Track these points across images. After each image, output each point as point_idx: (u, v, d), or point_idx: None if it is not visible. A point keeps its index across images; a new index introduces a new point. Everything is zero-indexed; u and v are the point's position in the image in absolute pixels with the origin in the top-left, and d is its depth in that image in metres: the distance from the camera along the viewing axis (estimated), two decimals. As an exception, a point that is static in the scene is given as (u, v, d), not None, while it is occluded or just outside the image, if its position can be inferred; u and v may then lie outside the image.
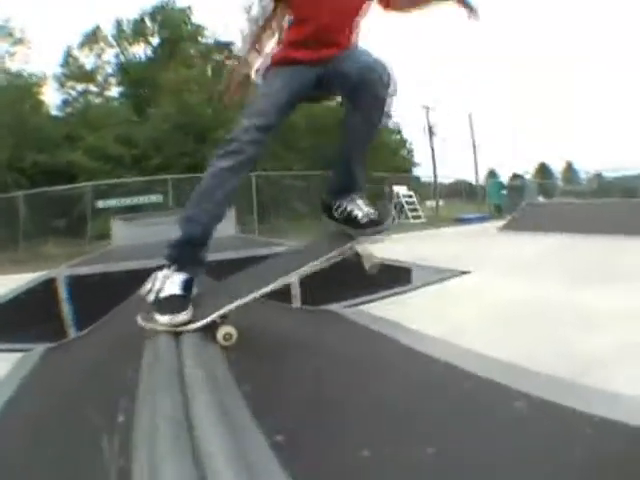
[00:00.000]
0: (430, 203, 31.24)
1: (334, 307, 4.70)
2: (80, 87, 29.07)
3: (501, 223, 16.88)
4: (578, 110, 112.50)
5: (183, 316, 2.09)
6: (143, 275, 2.39)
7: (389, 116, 30.54)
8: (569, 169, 55.01)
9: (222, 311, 2.18)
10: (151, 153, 24.14)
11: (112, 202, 19.98)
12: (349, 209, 2.67)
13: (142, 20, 29.37)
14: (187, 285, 2.20)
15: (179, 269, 2.25)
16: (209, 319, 2.12)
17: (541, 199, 26.52)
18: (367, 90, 2.35)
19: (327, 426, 2.09)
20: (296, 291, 4.93)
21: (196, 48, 28.86)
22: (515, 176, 37.22)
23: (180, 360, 1.89)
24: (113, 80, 30.20)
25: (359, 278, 4.91)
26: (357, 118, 2.50)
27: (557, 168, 54.48)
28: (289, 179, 20.08)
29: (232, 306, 2.22)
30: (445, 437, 2.43)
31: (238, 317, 2.34)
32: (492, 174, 41.73)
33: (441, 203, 32.44)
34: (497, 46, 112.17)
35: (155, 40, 29.86)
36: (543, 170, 52.37)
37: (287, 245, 6.51)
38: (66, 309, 5.34)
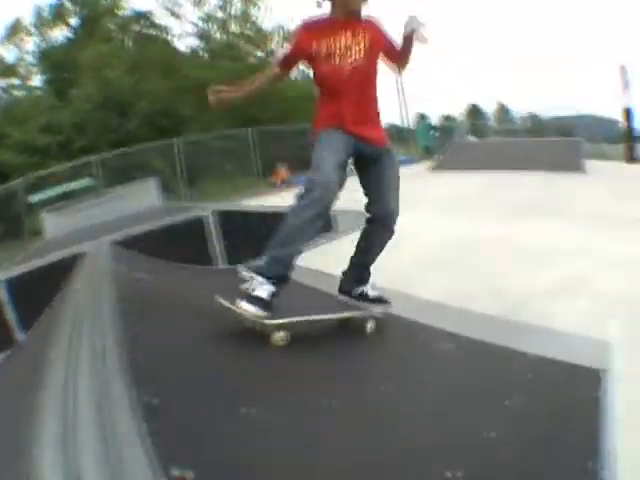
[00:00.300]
0: None
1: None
2: (3, 83, 27.39)
3: (430, 164, 16.52)
4: (510, 53, 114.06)
5: (263, 313, 2.58)
6: (74, 262, 2.64)
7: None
8: (501, 110, 55.66)
9: (290, 320, 2.70)
10: (74, 136, 22.91)
11: (44, 195, 18.83)
12: (365, 291, 3.23)
13: (62, 4, 27.66)
14: (272, 295, 2.66)
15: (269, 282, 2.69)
16: (280, 322, 2.65)
17: (472, 139, 26.35)
18: (386, 229, 3.20)
19: (209, 383, 2.19)
20: (218, 250, 4.87)
21: (114, 22, 27.43)
22: (446, 118, 37.58)
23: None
24: (35, 69, 28.47)
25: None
26: (375, 240, 3.24)
27: (490, 110, 54.66)
28: (211, 140, 19.46)
29: (297, 319, 2.75)
30: (371, 382, 2.48)
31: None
32: (422, 117, 41.81)
33: None
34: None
35: (75, 21, 28.17)
36: (475, 112, 52.80)
37: (211, 206, 6.37)
38: (9, 313, 5.36)
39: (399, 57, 3.08)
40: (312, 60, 2.91)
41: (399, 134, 34.99)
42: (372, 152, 2.99)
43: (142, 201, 13.67)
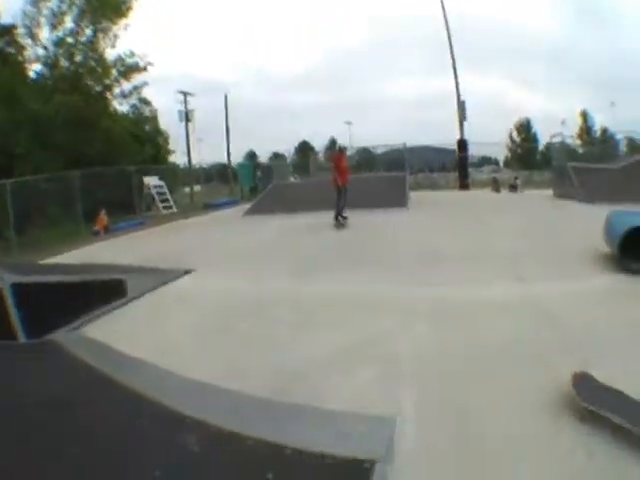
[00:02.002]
0: (195, 188, 31.18)
1: (57, 335, 4.60)
2: None
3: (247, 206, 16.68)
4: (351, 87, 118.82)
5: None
6: None
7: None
8: (333, 145, 54.86)
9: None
10: None
11: None
12: None
13: None
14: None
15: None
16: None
17: (292, 179, 25.70)
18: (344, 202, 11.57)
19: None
20: (17, 323, 5.12)
21: None
22: (275, 155, 37.67)
23: None
24: None
25: (78, 299, 5.34)
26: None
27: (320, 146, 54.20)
28: (43, 182, 18.19)
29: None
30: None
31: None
32: (251, 156, 41.91)
33: (199, 188, 32.23)
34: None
35: None
36: (305, 148, 53.31)
37: (7, 277, 6.12)
38: None
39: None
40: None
41: (222, 175, 35.17)
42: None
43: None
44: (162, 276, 6.70)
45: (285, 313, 4.92)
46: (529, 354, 3.60)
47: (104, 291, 5.83)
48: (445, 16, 27.53)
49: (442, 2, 27.46)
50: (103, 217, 17.62)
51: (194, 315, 5.12)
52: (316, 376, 3.43)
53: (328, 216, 11.15)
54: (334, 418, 2.78)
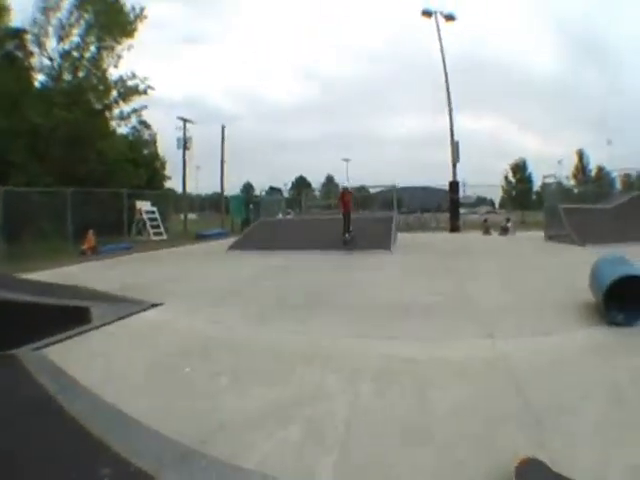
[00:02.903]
0: (189, 215, 31.42)
1: (20, 350, 4.68)
2: None
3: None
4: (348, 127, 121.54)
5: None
6: None
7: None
8: (329, 183, 55.48)
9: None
10: None
11: None
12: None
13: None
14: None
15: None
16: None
17: (280, 215, 26.15)
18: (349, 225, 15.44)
19: None
20: None
21: None
22: (271, 189, 38.34)
23: None
24: None
25: (40, 320, 5.45)
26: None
27: (317, 183, 54.46)
28: (37, 195, 18.55)
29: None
30: None
31: None
32: (247, 187, 42.39)
33: (194, 217, 32.48)
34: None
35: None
36: (301, 183, 53.90)
37: None
38: None
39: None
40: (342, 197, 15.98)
41: (217, 205, 35.03)
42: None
43: None
44: (129, 307, 6.80)
45: (231, 360, 4.82)
46: (475, 429, 3.23)
47: (68, 316, 5.91)
48: (443, 59, 28.16)
49: (441, 46, 28.05)
50: (91, 237, 17.69)
51: (145, 351, 5.15)
52: (236, 431, 3.30)
53: (310, 256, 11.64)
54: (242, 477, 2.70)
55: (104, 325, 5.95)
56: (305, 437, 3.19)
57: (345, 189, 16.79)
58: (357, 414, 3.54)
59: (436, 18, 29.34)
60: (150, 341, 5.52)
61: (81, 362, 4.60)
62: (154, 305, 7.00)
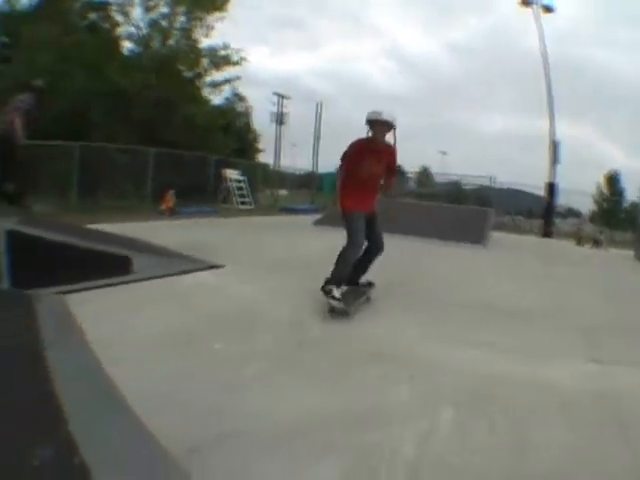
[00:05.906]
0: (281, 191, 31.45)
1: (37, 291, 3.97)
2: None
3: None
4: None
5: (341, 305, 4.81)
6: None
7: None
8: (425, 174, 55.09)
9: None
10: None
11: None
12: (363, 282, 5.68)
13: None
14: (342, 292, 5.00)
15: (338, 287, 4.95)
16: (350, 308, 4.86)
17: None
18: (376, 255, 5.45)
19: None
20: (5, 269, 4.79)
21: (72, 6, 24.42)
22: None
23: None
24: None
25: (78, 264, 5.09)
26: (368, 258, 5.45)
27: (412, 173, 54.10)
28: (116, 153, 18.08)
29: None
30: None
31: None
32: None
33: (285, 192, 32.11)
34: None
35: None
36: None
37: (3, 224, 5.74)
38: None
39: (384, 185, 5.54)
40: (352, 163, 5.18)
41: (308, 182, 34.93)
42: (370, 216, 5.28)
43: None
44: (184, 264, 6.06)
45: (269, 344, 3.95)
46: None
47: (109, 264, 5.38)
48: (544, 54, 26.04)
49: (542, 41, 25.95)
50: (170, 198, 17.31)
51: (178, 315, 4.39)
52: (243, 445, 2.39)
53: (397, 241, 9.44)
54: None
55: (149, 279, 5.27)
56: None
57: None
58: (434, 452, 2.49)
59: (536, 10, 26.69)
60: (192, 303, 4.75)
61: (99, 314, 3.86)
62: (212, 266, 6.19)
